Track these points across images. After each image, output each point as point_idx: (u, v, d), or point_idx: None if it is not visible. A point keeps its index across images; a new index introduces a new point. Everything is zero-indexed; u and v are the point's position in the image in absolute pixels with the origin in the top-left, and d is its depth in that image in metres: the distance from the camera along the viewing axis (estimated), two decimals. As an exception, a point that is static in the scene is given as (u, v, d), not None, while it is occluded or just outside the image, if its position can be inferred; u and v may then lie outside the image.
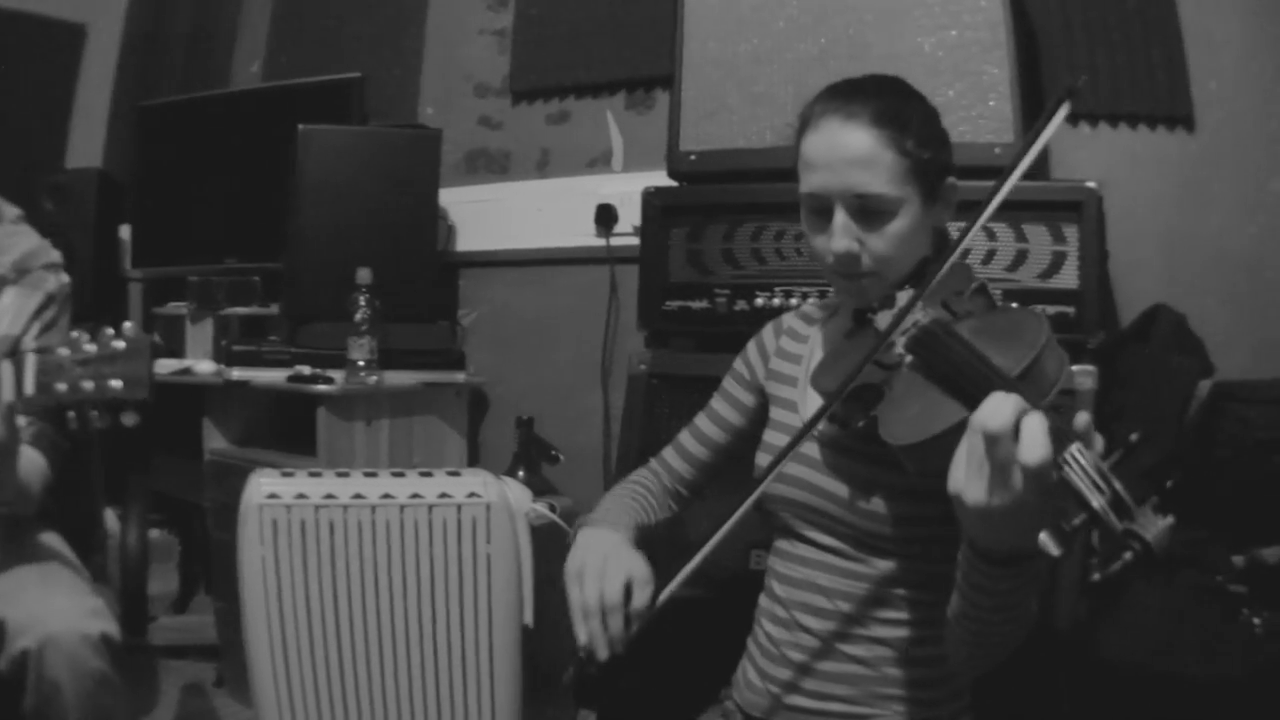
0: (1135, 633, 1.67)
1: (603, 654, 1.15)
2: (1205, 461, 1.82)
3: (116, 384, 1.29)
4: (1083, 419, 0.90)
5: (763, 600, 1.35)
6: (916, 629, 1.22)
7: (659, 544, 1.39)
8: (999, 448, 0.88)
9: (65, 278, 1.66)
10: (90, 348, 1.30)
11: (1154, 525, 0.82)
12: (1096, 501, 0.84)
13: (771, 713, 1.28)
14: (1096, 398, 1.73)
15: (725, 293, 1.99)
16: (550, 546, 2.09)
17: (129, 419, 1.35)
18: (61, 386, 1.30)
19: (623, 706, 2.00)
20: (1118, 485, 0.84)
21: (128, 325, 1.32)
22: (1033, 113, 2.05)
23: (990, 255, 1.82)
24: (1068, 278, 1.78)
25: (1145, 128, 2.14)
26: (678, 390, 1.99)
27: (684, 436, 1.48)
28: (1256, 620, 1.63)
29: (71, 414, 1.34)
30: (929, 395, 1.03)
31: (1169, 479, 0.88)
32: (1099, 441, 0.89)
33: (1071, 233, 1.78)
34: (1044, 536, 0.84)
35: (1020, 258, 1.80)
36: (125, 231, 2.86)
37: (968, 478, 0.92)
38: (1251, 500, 1.76)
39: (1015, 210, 1.80)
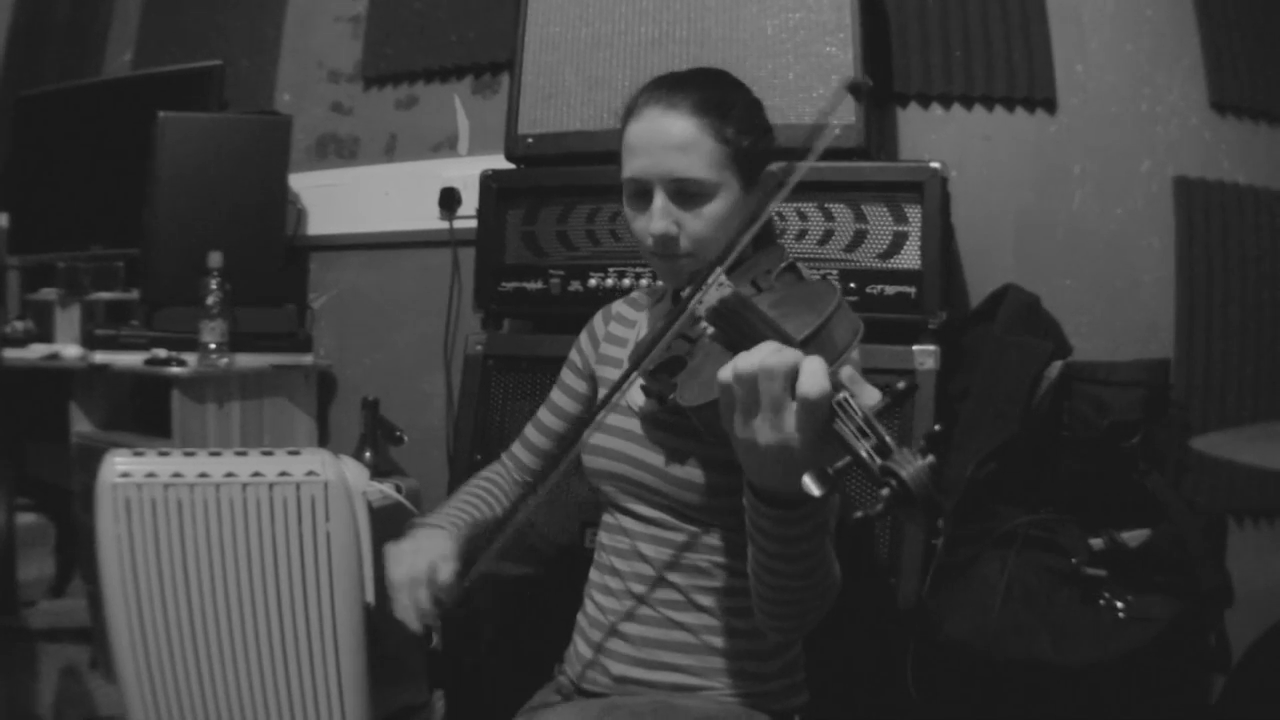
0: (982, 615, 1.68)
1: (414, 626, 1.26)
2: (1055, 443, 1.84)
3: None
4: (846, 371, 0.96)
5: (592, 574, 1.40)
6: (737, 598, 1.27)
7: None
8: (767, 384, 0.95)
9: None
10: None
11: (911, 464, 0.86)
12: (859, 445, 0.89)
13: (610, 687, 1.32)
14: (940, 378, 1.76)
15: (560, 274, 2.02)
16: (393, 527, 2.11)
17: None
18: None
19: (464, 684, 2.04)
20: (881, 429, 0.89)
21: None
22: (881, 93, 2.09)
23: (828, 236, 1.84)
24: (909, 258, 1.80)
25: (1002, 109, 2.16)
26: (513, 371, 2.02)
27: (528, 429, 1.54)
28: (1120, 604, 1.66)
29: None
30: (722, 361, 1.08)
31: (932, 427, 0.91)
32: (870, 392, 0.95)
33: (914, 213, 1.80)
34: (806, 478, 0.88)
35: (859, 238, 1.83)
36: (4, 220, 2.88)
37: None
38: (1106, 483, 1.79)
39: (854, 191, 1.83)
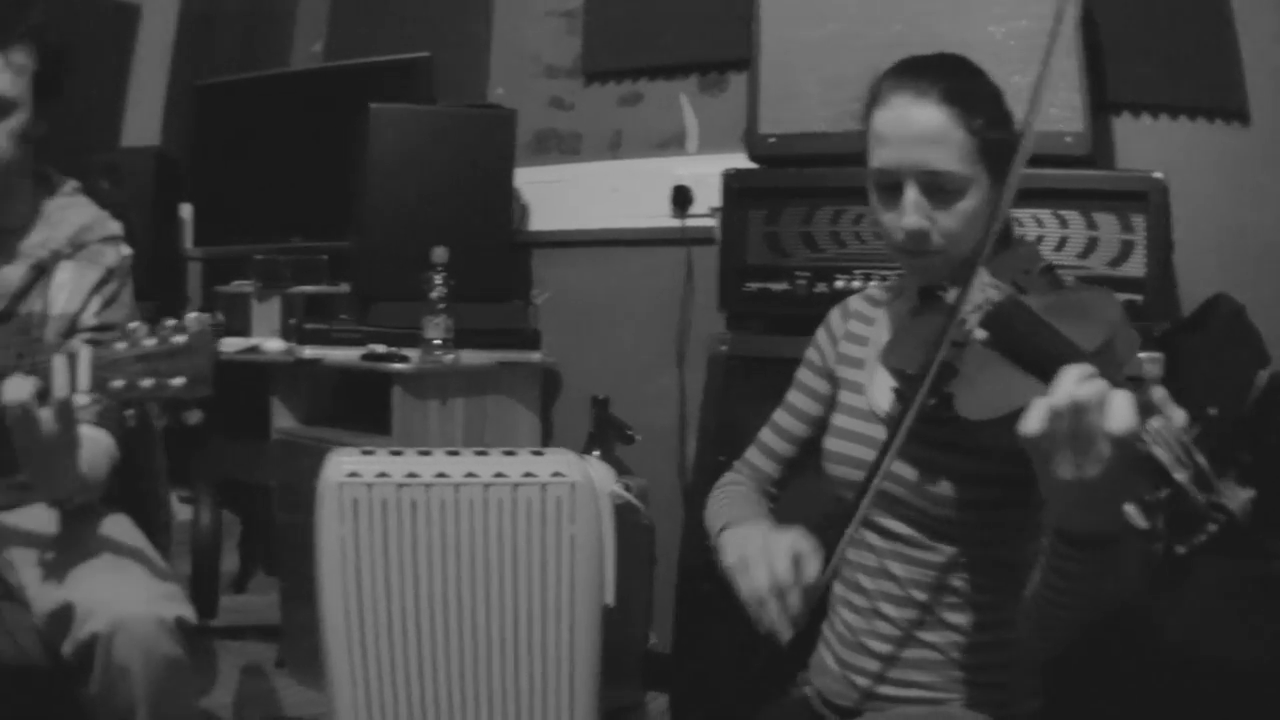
0: (1201, 619, 1.66)
1: (786, 635, 1.13)
2: (1260, 451, 1.85)
3: (178, 381, 1.18)
4: (1159, 392, 0.91)
5: (837, 588, 1.34)
6: (984, 614, 1.23)
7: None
8: (1085, 418, 0.89)
9: (126, 250, 1.57)
10: (149, 342, 1.20)
11: (1237, 496, 0.83)
12: (1180, 474, 0.85)
13: (858, 702, 1.28)
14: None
15: (805, 275, 2.02)
16: (624, 527, 2.11)
17: (193, 418, 1.31)
18: (118, 384, 1.20)
19: (694, 690, 2.03)
20: (1200, 458, 0.85)
21: (190, 317, 1.22)
22: (1098, 102, 2.09)
23: (1063, 242, 1.86)
24: (1135, 266, 1.82)
25: (1203, 120, 2.15)
26: (756, 372, 2.01)
27: (765, 435, 1.47)
28: (1313, 609, 1.66)
29: (130, 412, 1.29)
30: (1003, 371, 1.03)
31: (1242, 455, 0.88)
32: (1179, 414, 0.90)
33: (1139, 222, 1.82)
34: (1130, 509, 0.85)
35: (1091, 245, 1.84)
36: (185, 210, 2.87)
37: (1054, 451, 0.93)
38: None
39: (1085, 199, 1.85)
